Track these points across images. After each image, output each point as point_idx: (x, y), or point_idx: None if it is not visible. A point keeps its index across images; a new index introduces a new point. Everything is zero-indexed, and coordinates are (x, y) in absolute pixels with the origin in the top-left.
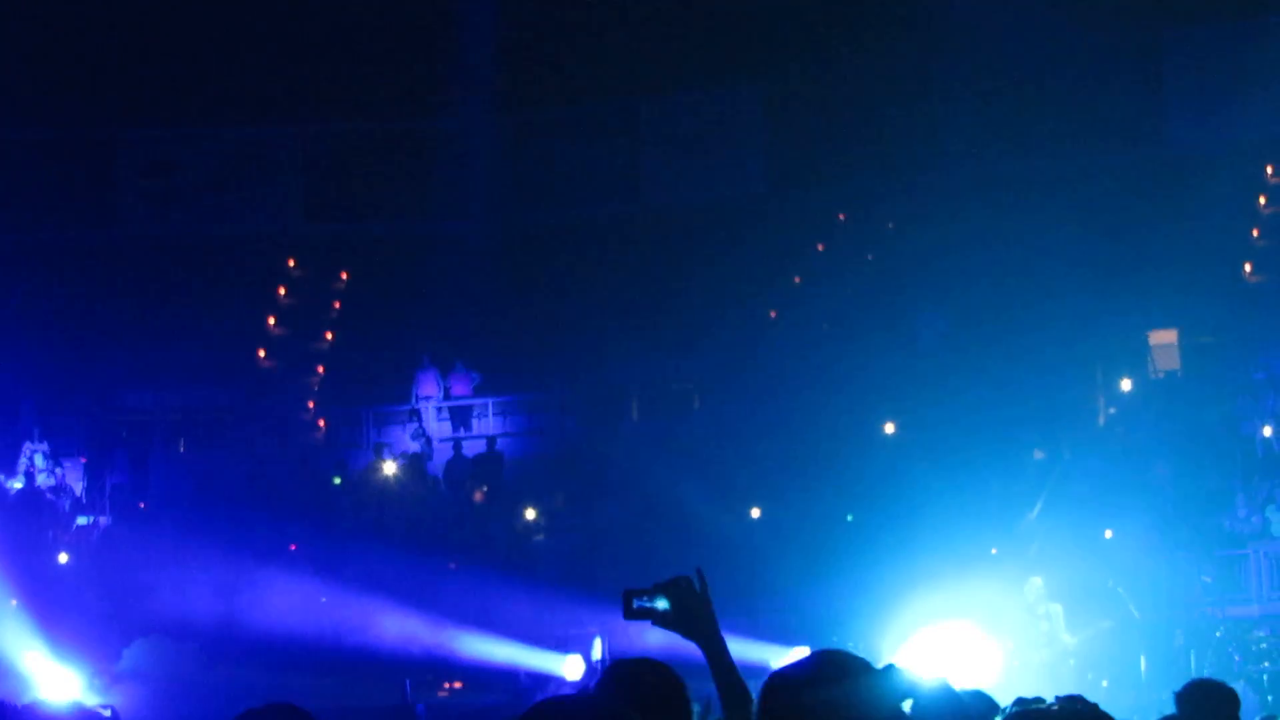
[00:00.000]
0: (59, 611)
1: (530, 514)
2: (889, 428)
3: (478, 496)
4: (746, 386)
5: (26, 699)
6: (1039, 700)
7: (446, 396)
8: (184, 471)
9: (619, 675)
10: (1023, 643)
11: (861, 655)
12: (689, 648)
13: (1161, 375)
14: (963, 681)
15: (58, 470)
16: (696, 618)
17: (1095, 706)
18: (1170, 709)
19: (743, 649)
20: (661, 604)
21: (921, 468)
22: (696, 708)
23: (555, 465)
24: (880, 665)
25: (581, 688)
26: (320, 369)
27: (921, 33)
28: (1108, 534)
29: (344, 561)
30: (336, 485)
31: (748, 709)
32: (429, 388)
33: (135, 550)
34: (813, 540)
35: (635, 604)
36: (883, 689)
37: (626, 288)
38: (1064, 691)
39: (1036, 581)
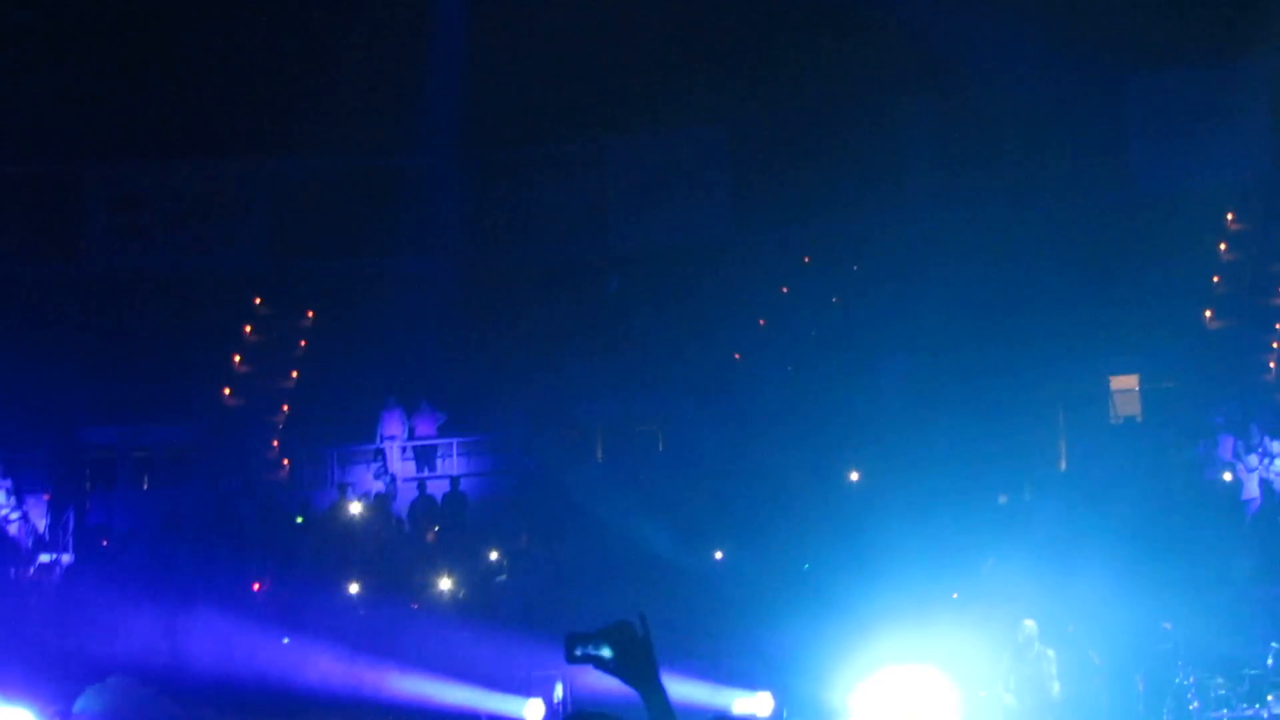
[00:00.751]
0: (16, 650)
1: (493, 555)
2: (853, 475)
3: (430, 537)
4: (710, 428)
5: None
6: None
7: (411, 436)
8: (147, 509)
9: None
10: (984, 687)
11: (814, 699)
12: None
13: (1122, 420)
14: None
15: (19, 509)
16: (637, 664)
17: None
18: None
19: (705, 692)
20: (605, 651)
21: (883, 510)
22: None
23: (519, 505)
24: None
25: None
26: (285, 407)
27: (887, 76)
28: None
29: (306, 601)
30: (299, 524)
31: None
32: (393, 427)
33: (97, 588)
34: (775, 582)
35: (578, 650)
36: None
37: (591, 328)
38: None
39: (1030, 624)
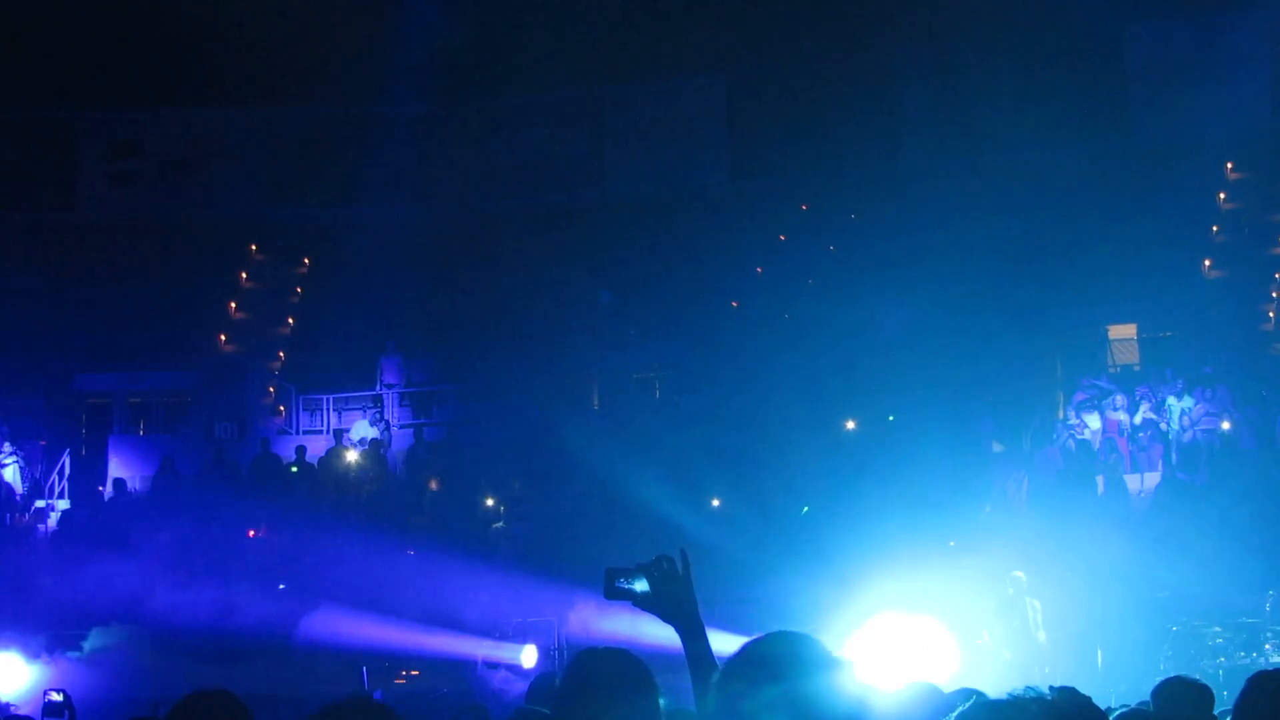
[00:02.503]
0: (9, 595)
1: (489, 501)
2: (849, 424)
3: (433, 485)
4: (707, 376)
5: None
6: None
7: (409, 383)
8: (143, 455)
9: (589, 663)
10: (978, 635)
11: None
12: (652, 638)
13: (1119, 369)
14: (917, 673)
15: (14, 455)
16: (676, 600)
17: (1089, 699)
18: (1128, 701)
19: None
20: (641, 585)
21: (880, 458)
22: (664, 701)
23: (515, 452)
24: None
25: (539, 675)
26: (281, 354)
27: (884, 25)
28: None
29: (302, 549)
30: (294, 472)
31: None
32: (391, 374)
33: (92, 534)
34: (771, 529)
35: (617, 584)
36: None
37: (589, 276)
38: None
39: (1019, 575)
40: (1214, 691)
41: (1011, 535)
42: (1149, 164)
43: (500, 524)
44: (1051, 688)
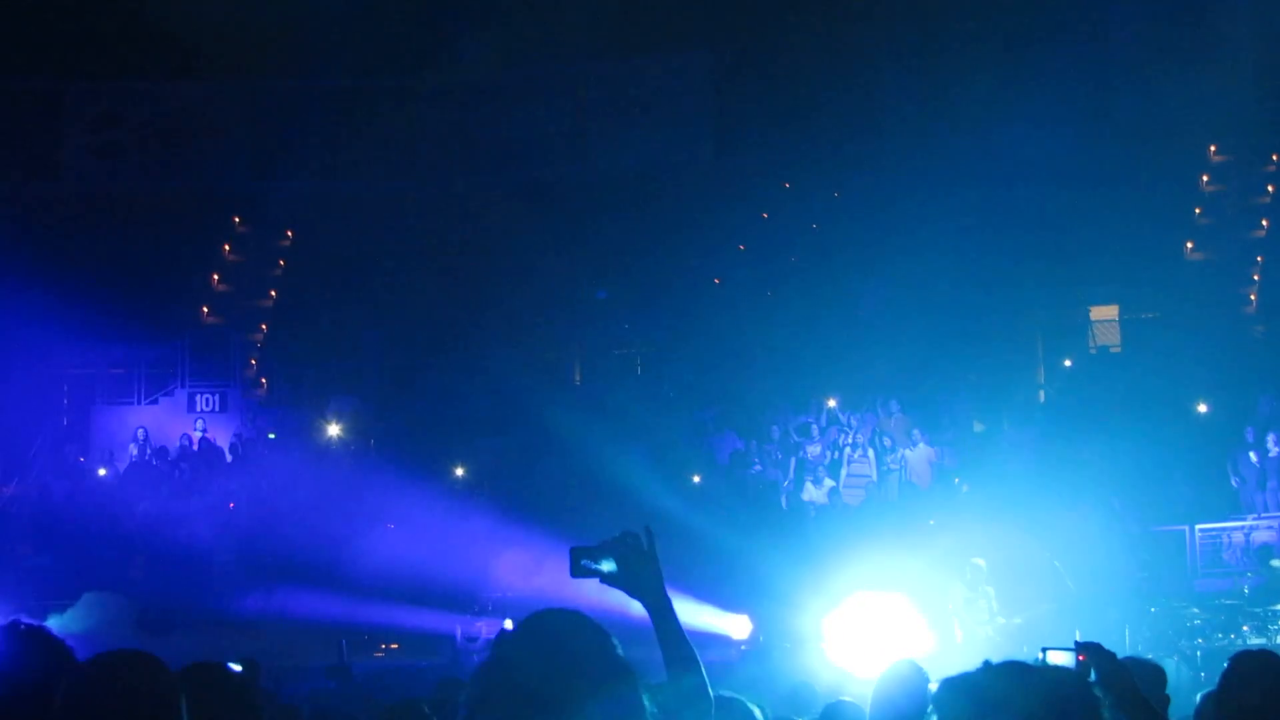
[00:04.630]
0: None
1: (458, 471)
2: (830, 402)
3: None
4: (689, 352)
5: None
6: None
7: (388, 356)
8: (125, 428)
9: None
10: (955, 615)
11: (788, 624)
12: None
13: (1100, 350)
14: (894, 653)
15: None
16: (642, 577)
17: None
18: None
19: (685, 609)
20: (607, 565)
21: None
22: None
23: (494, 426)
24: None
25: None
26: (264, 327)
27: (867, 2)
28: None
29: (280, 520)
30: (273, 440)
31: (695, 673)
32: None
33: (74, 505)
34: (749, 506)
35: (582, 563)
36: None
37: (571, 251)
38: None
39: (979, 563)
40: (1194, 671)
41: (985, 515)
42: (1131, 145)
43: (478, 497)
44: (1077, 643)
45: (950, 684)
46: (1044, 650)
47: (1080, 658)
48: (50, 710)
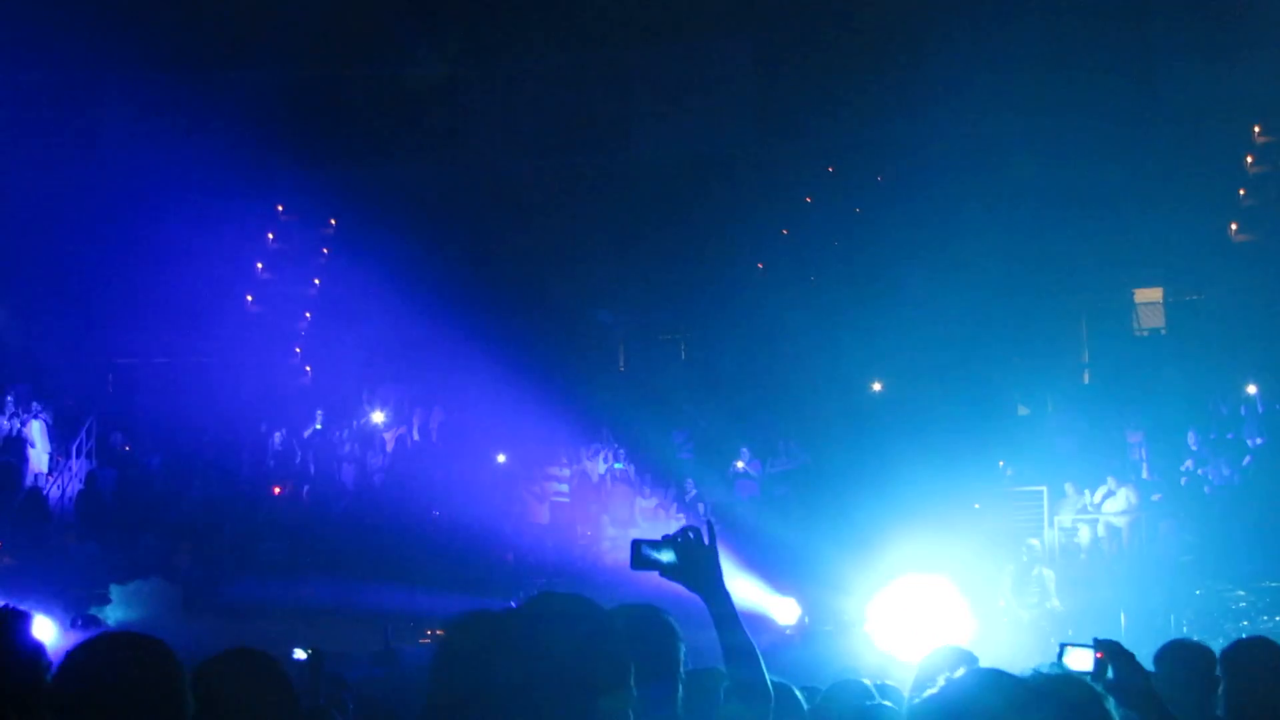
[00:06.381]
0: (38, 558)
1: (500, 458)
2: (875, 385)
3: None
4: (733, 338)
5: None
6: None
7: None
8: (169, 417)
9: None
10: (1004, 598)
11: (833, 607)
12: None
13: (1145, 332)
14: (939, 637)
15: (40, 416)
16: (701, 570)
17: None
18: (1147, 667)
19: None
20: (667, 556)
21: (905, 421)
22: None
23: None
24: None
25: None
26: (307, 315)
27: None
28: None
29: (328, 508)
30: (319, 430)
31: (754, 667)
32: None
33: (119, 494)
34: (795, 491)
35: (643, 553)
36: None
37: (614, 237)
38: (1040, 651)
39: (1034, 543)
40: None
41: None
42: (1176, 127)
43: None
44: (1096, 640)
45: (924, 709)
46: (1061, 646)
47: (1098, 655)
48: (38, 692)
